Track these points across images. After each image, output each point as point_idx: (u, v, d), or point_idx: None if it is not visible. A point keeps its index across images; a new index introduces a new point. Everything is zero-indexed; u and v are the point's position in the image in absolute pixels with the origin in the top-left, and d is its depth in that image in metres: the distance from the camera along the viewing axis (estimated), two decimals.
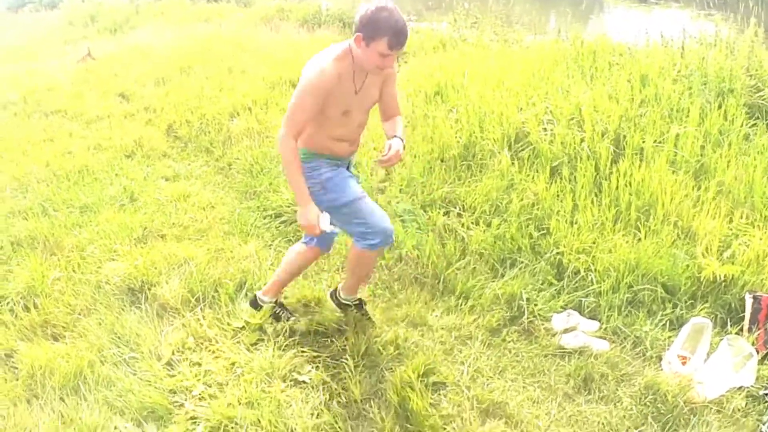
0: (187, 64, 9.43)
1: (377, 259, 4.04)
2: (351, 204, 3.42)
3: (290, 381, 3.43)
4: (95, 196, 5.62)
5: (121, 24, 14.78)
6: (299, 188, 3.30)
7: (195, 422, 3.19)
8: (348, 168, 3.61)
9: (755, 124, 5.56)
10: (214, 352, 3.64)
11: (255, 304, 3.90)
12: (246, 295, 4.10)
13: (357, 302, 3.87)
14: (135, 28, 13.97)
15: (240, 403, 3.25)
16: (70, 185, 5.91)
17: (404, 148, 3.51)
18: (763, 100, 5.84)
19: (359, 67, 3.26)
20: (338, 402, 3.33)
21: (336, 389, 3.38)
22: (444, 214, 4.77)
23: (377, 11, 3.08)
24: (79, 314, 4.03)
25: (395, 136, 3.49)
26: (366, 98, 3.43)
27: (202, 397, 3.32)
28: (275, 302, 3.90)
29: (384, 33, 3.06)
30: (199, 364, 3.54)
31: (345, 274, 3.98)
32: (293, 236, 4.83)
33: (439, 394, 3.38)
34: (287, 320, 3.86)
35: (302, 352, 3.62)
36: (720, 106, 5.62)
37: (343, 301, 3.86)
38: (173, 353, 3.62)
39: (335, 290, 3.90)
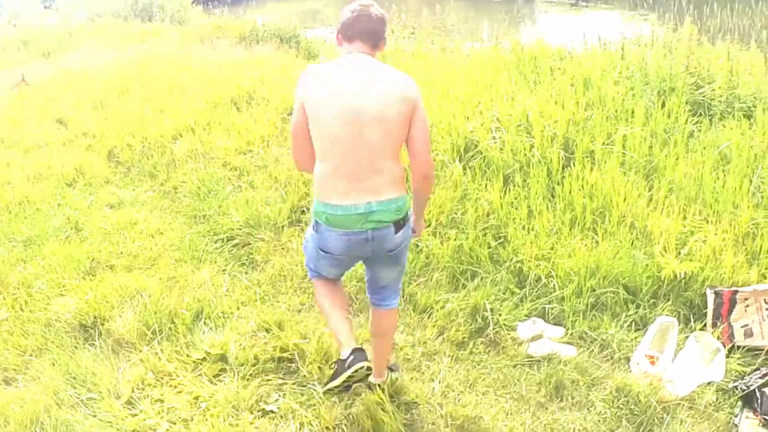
0: (125, 86, 9.21)
1: (336, 294, 3.34)
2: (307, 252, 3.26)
3: (258, 412, 3.33)
4: (38, 228, 5.41)
5: (54, 47, 14.37)
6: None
7: None
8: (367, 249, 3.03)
9: (699, 121, 5.66)
10: (175, 386, 3.51)
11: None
12: (204, 322, 3.97)
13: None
14: (69, 51, 13.59)
15: None
16: (11, 218, 5.69)
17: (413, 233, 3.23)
18: (704, 97, 5.96)
19: None
20: (310, 430, 3.24)
21: (306, 417, 3.29)
22: None
23: (351, 12, 3.04)
24: (31, 355, 3.85)
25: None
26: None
27: None
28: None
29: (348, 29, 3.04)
30: (161, 401, 3.41)
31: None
32: (246, 260, 4.74)
33: (412, 414, 3.32)
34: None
35: (267, 380, 3.52)
36: (663, 105, 5.70)
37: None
38: (133, 391, 3.47)
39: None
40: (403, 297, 4.16)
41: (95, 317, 4.07)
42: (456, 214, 4.75)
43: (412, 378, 3.57)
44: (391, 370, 3.51)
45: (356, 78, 2.92)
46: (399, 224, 3.00)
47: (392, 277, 3.20)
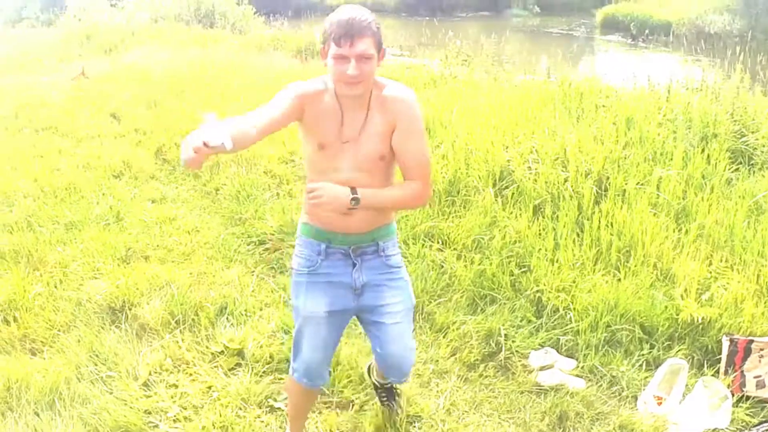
0: (180, 87, 9.50)
1: (304, 402, 3.08)
2: (295, 313, 2.80)
3: (266, 407, 3.43)
4: (81, 213, 5.63)
5: (116, 44, 14.85)
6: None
7: None
8: (352, 260, 2.72)
9: (737, 168, 5.66)
10: (191, 374, 3.64)
11: None
12: (227, 318, 4.11)
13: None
14: (130, 49, 14.05)
15: (214, 427, 3.25)
16: (56, 202, 5.93)
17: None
18: (746, 145, 5.95)
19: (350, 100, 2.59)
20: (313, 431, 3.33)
21: (312, 419, 3.38)
22: (426, 248, 4.81)
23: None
24: (59, 330, 4.03)
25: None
26: (359, 147, 2.60)
27: (177, 419, 3.32)
28: None
29: (329, 30, 2.47)
30: (176, 386, 3.54)
31: None
32: (276, 264, 4.86)
33: (414, 427, 3.38)
34: None
35: (279, 379, 3.62)
36: (703, 150, 5.71)
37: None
38: (150, 374, 3.62)
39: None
40: (421, 315, 4.24)
41: (124, 302, 4.24)
42: (482, 239, 4.82)
43: (420, 394, 3.64)
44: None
45: None
46: None
47: None
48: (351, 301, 2.74)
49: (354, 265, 2.71)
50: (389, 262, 2.77)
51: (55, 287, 4.47)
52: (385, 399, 3.37)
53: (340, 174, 2.58)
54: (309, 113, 2.60)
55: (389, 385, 3.30)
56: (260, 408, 3.41)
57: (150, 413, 3.35)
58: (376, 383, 3.33)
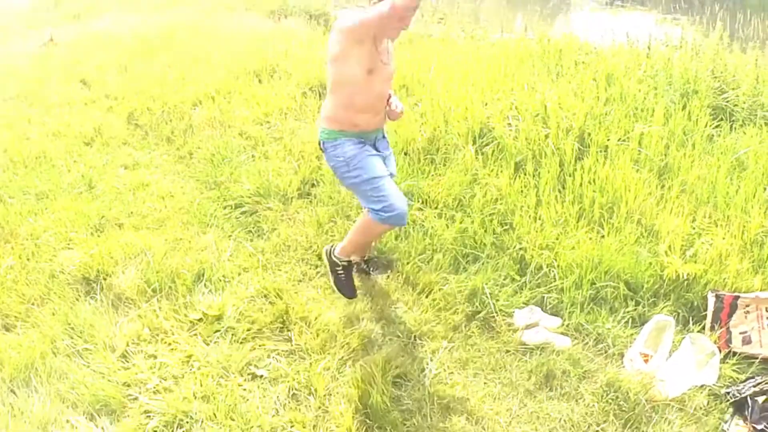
0: (150, 51, 9.26)
1: (382, 234, 4.14)
2: (372, 181, 3.52)
3: (248, 375, 3.36)
4: (52, 183, 5.47)
5: (84, 10, 14.45)
6: None
7: (149, 416, 3.12)
8: (375, 145, 3.69)
9: (719, 125, 5.61)
10: (170, 344, 3.56)
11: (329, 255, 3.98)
12: (205, 285, 4.01)
13: (346, 263, 3.94)
14: (99, 14, 13.67)
15: (195, 397, 3.19)
16: (26, 171, 5.76)
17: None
18: (727, 102, 5.90)
19: (382, 29, 3.33)
20: (295, 396, 3.26)
21: (294, 383, 3.31)
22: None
23: None
24: (32, 304, 3.92)
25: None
26: (387, 66, 3.53)
27: (157, 390, 3.24)
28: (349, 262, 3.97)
29: None
30: (155, 357, 3.46)
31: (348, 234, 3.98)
32: (253, 227, 4.75)
33: (400, 389, 3.33)
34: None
35: (261, 345, 3.55)
36: (684, 107, 5.66)
37: (334, 259, 3.92)
38: (128, 345, 3.53)
39: (332, 246, 3.99)
40: (402, 275, 4.18)
41: (98, 272, 4.13)
42: (464, 197, 4.74)
43: (404, 355, 3.58)
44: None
45: None
46: (320, 146, 3.68)
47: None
48: None
49: (376, 147, 3.69)
50: (386, 138, 3.87)
51: (27, 260, 4.34)
52: (368, 267, 4.20)
53: (375, 83, 3.46)
54: (362, 47, 3.35)
55: (347, 262, 3.96)
56: (242, 375, 3.34)
57: (129, 385, 3.28)
58: (336, 260, 3.95)
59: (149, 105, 7.15)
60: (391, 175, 3.77)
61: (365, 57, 3.37)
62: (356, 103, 3.48)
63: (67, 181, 5.53)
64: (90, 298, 3.94)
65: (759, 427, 3.16)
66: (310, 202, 4.99)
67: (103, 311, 3.79)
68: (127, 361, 3.43)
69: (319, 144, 3.69)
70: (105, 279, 4.08)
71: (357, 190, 3.65)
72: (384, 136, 3.83)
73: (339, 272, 3.93)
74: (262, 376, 3.35)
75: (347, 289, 3.95)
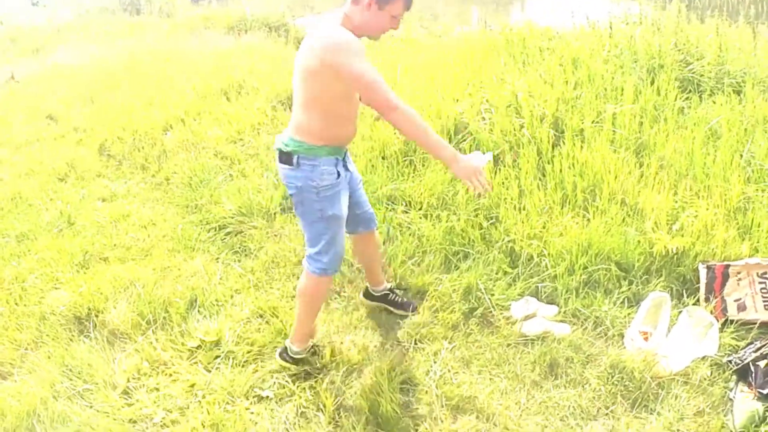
0: (114, 80, 9.19)
1: (325, 295, 3.62)
2: (332, 221, 3.24)
3: (253, 398, 3.33)
4: (31, 223, 5.40)
5: (42, 45, 14.32)
6: (442, 145, 3.03)
7: None
8: (345, 159, 3.31)
9: (688, 97, 5.67)
10: (171, 375, 3.52)
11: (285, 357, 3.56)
12: (198, 311, 3.98)
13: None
14: (57, 47, 13.55)
15: (204, 426, 3.15)
16: (3, 214, 5.69)
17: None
18: (693, 73, 5.96)
19: (360, 34, 3.06)
20: (304, 414, 3.25)
21: (302, 401, 3.30)
22: (390, 211, 4.73)
23: None
24: (26, 349, 3.85)
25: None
26: None
27: (164, 424, 3.21)
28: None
29: None
30: (157, 390, 3.42)
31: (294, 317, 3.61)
32: (239, 247, 4.73)
33: (408, 395, 3.33)
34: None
35: (262, 366, 3.53)
36: (653, 83, 5.71)
37: (294, 356, 3.53)
38: (129, 381, 3.48)
39: (282, 349, 3.59)
40: (395, 279, 4.18)
41: (89, 309, 4.07)
42: (446, 195, 4.75)
43: (408, 359, 3.58)
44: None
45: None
46: (281, 157, 3.21)
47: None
48: None
49: (345, 164, 3.32)
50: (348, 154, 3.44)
51: (16, 304, 4.27)
52: (399, 299, 3.97)
53: (356, 98, 3.18)
54: None
55: (390, 286, 3.99)
56: (247, 399, 3.32)
57: (135, 422, 3.23)
58: (382, 293, 3.95)
59: (119, 134, 7.09)
60: (360, 178, 3.58)
61: None
62: (342, 114, 3.16)
63: (45, 219, 5.47)
64: (84, 336, 3.89)
65: (764, 391, 3.18)
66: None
67: (99, 349, 3.74)
68: (130, 397, 3.39)
69: (282, 156, 3.21)
70: (97, 316, 4.03)
71: (309, 222, 3.26)
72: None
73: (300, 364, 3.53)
74: (268, 398, 3.32)
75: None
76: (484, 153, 3.12)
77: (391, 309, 3.96)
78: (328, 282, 3.44)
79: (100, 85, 9.13)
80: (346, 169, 3.33)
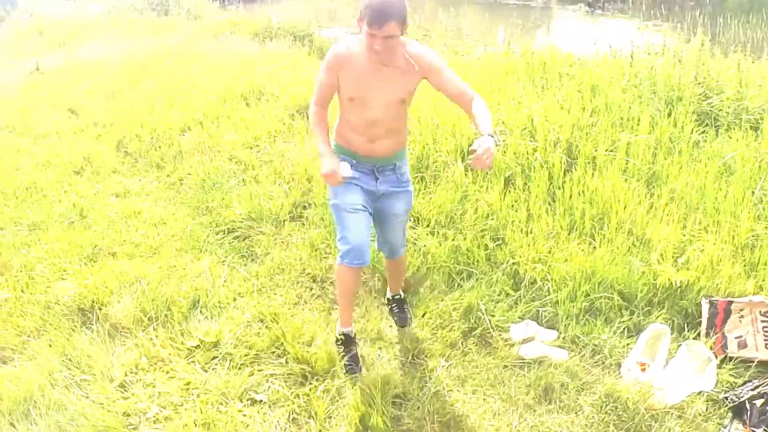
0: (137, 78, 9.29)
1: (352, 283, 3.60)
2: (338, 207, 3.44)
3: (247, 400, 3.36)
4: (44, 213, 5.47)
5: (69, 38, 14.49)
6: (320, 143, 3.36)
7: None
8: (376, 176, 3.51)
9: (704, 131, 5.67)
10: (168, 372, 3.55)
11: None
12: (200, 311, 4.02)
13: (343, 338, 3.69)
14: (83, 42, 13.71)
15: (196, 425, 3.18)
16: (17, 203, 5.76)
17: (497, 145, 3.18)
18: (711, 107, 5.96)
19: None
20: (296, 420, 3.26)
21: (294, 407, 3.32)
22: None
23: None
24: (29, 336, 3.91)
25: (483, 134, 3.13)
26: (382, 92, 3.29)
27: (157, 419, 3.24)
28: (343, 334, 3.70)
29: (364, 12, 3.05)
30: (153, 386, 3.45)
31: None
32: (246, 252, 4.76)
33: (400, 409, 3.34)
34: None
35: (259, 370, 3.55)
36: (670, 114, 5.71)
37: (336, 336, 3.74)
38: (126, 374, 3.52)
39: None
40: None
41: (93, 302, 4.12)
42: (455, 214, 4.77)
43: (403, 374, 3.59)
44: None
45: None
46: None
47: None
48: (372, 203, 3.53)
49: (377, 178, 3.52)
50: (402, 178, 3.61)
51: (22, 291, 4.33)
52: (396, 310, 4.02)
53: (362, 108, 3.33)
54: (342, 74, 3.29)
55: (398, 296, 4.05)
56: (241, 401, 3.34)
57: (129, 415, 3.27)
58: (388, 298, 4.09)
59: (138, 132, 7.16)
60: (394, 215, 3.62)
61: (343, 85, 3.33)
62: (350, 122, 3.43)
63: (58, 211, 5.53)
64: (86, 328, 3.93)
65: (758, 430, 3.18)
66: (302, 224, 5.01)
67: (99, 341, 3.77)
68: (126, 391, 3.43)
69: None
70: (100, 309, 4.08)
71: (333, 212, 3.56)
72: (394, 170, 3.57)
73: (339, 347, 3.68)
74: (261, 401, 3.35)
75: (347, 366, 3.59)
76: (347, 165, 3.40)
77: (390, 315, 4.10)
78: (347, 271, 3.46)
79: (122, 82, 9.23)
80: (376, 179, 3.52)
